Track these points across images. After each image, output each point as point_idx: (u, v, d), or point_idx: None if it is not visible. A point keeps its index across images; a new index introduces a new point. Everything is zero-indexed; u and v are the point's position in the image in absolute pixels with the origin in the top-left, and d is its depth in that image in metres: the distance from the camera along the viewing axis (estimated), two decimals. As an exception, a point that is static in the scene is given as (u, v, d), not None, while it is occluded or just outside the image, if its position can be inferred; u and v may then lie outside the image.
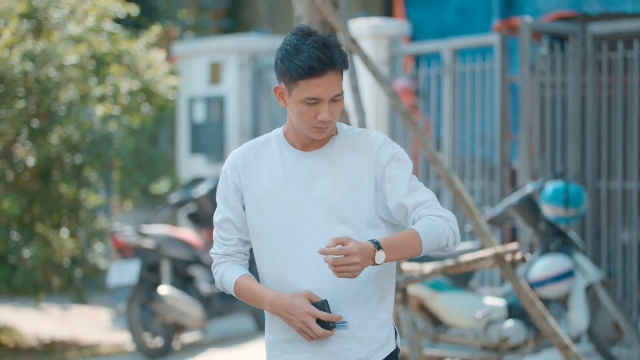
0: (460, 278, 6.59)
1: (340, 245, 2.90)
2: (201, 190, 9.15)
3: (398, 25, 9.52)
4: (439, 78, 8.94)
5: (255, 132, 10.76)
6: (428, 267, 5.30)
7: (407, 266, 5.34)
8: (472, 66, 8.61)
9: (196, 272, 8.60)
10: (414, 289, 6.43)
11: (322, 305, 3.03)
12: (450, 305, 6.46)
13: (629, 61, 7.66)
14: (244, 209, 3.18)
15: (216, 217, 3.22)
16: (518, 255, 5.24)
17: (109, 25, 8.86)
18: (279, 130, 3.20)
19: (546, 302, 6.49)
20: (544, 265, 6.53)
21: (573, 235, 6.84)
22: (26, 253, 8.40)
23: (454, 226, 3.05)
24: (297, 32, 3.05)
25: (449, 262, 5.26)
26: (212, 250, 3.24)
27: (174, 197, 9.39)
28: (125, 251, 8.24)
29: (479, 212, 6.27)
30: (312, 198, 3.10)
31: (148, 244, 8.29)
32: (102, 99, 8.77)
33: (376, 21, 9.47)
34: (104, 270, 8.99)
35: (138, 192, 11.04)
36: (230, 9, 14.32)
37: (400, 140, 9.02)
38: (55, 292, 9.56)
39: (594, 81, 7.90)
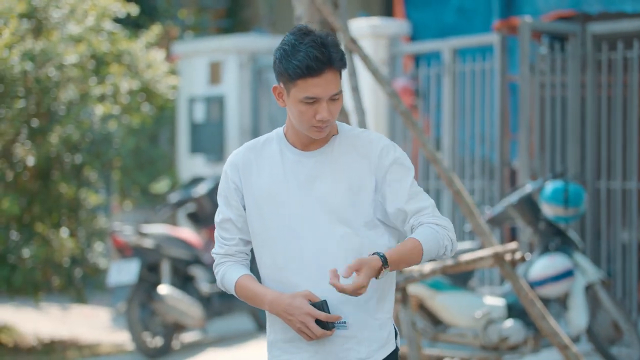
0: (460, 277, 6.59)
1: (352, 272, 2.93)
2: (201, 190, 9.15)
3: (398, 25, 9.52)
4: (439, 78, 8.94)
5: (255, 132, 10.76)
6: (428, 266, 5.30)
7: (406, 266, 5.33)
8: (472, 66, 8.61)
9: (196, 271, 8.60)
10: (414, 289, 6.43)
11: (321, 306, 3.03)
12: (450, 305, 6.46)
13: (629, 61, 7.66)
14: (245, 209, 3.18)
15: (217, 217, 3.22)
16: (518, 255, 5.24)
17: (108, 25, 8.86)
18: (280, 130, 3.20)
19: (546, 301, 6.49)
20: (544, 265, 6.53)
21: (573, 235, 6.84)
22: (26, 253, 8.40)
23: (452, 235, 3.09)
24: (295, 32, 3.05)
25: (449, 261, 5.26)
26: (213, 250, 3.24)
27: (174, 197, 9.39)
28: (125, 251, 8.24)
29: (479, 212, 6.27)
30: (312, 198, 3.10)
31: (148, 243, 8.29)
32: (102, 98, 8.77)
33: (376, 21, 9.47)
34: (104, 270, 8.99)
35: (138, 191, 11.04)
36: (230, 8, 14.32)
37: (400, 140, 9.02)
38: (55, 291, 9.56)
39: (594, 81, 7.90)
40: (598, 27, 7.85)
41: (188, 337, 8.88)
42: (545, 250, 6.71)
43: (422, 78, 9.06)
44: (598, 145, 7.96)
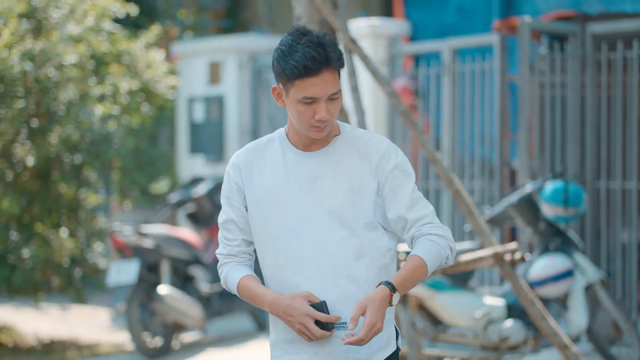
0: (460, 278, 6.58)
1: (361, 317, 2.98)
2: (200, 190, 9.15)
3: (397, 25, 9.52)
4: (439, 78, 8.94)
5: (255, 132, 10.76)
6: (427, 266, 5.29)
7: (406, 266, 5.33)
8: (472, 66, 8.61)
9: (196, 271, 8.60)
10: (413, 289, 6.42)
11: (321, 306, 3.03)
12: (450, 305, 6.46)
13: (629, 61, 7.66)
14: (247, 209, 3.18)
15: (220, 218, 3.22)
16: (517, 255, 5.24)
17: (108, 25, 8.85)
18: (282, 131, 3.20)
19: (545, 301, 6.49)
20: (544, 265, 6.53)
21: (572, 235, 6.84)
22: (26, 253, 8.40)
23: (452, 244, 3.11)
24: (293, 32, 3.05)
25: (449, 261, 5.25)
26: (217, 251, 3.25)
27: (174, 197, 9.39)
28: (125, 251, 8.24)
29: (479, 212, 6.27)
30: (313, 198, 3.10)
31: (147, 243, 8.29)
32: (101, 98, 8.77)
33: (376, 21, 9.47)
34: (104, 270, 8.99)
35: (137, 191, 11.03)
36: (230, 8, 14.32)
37: (399, 140, 9.02)
38: (54, 291, 9.56)
39: (594, 81, 7.90)
40: (598, 27, 7.85)
41: (188, 337, 8.88)
42: (545, 250, 6.71)
43: (421, 78, 9.06)
44: (598, 145, 7.96)
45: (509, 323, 6.41)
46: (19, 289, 8.56)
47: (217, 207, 9.02)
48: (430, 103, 8.99)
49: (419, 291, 6.46)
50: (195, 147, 11.07)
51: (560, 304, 6.63)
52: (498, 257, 5.20)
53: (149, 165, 11.33)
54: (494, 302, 6.52)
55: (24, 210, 8.47)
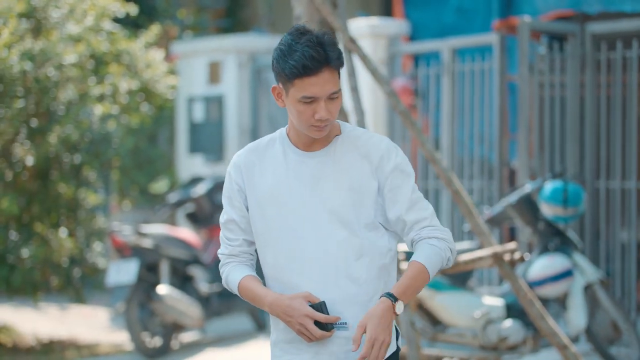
0: (459, 277, 6.58)
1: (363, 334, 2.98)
2: (200, 189, 9.14)
3: (397, 25, 9.52)
4: (438, 78, 8.94)
5: (254, 132, 10.76)
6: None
7: (405, 266, 5.34)
8: (471, 66, 8.61)
9: (195, 271, 8.60)
10: (413, 289, 6.41)
11: (320, 307, 3.04)
12: (449, 305, 6.46)
13: (628, 61, 7.66)
14: (248, 209, 3.18)
15: (222, 218, 3.23)
16: (517, 255, 5.24)
17: (108, 25, 8.85)
18: (283, 131, 3.20)
19: (545, 301, 6.49)
20: (543, 265, 6.53)
21: (572, 234, 6.84)
22: (25, 252, 8.40)
23: (452, 245, 3.12)
24: (293, 32, 3.05)
25: (448, 261, 5.25)
26: (219, 251, 3.25)
27: (173, 197, 9.39)
28: (124, 251, 8.23)
29: (478, 212, 6.27)
30: (314, 199, 3.10)
31: (147, 243, 8.28)
32: (101, 98, 8.76)
33: (375, 21, 9.47)
34: (103, 270, 8.99)
35: (137, 191, 11.04)
36: (229, 8, 14.32)
37: (398, 140, 9.02)
38: (53, 291, 9.55)
39: (593, 81, 7.90)
40: (597, 27, 7.85)
41: (187, 337, 8.88)
42: (544, 250, 6.71)
43: (421, 78, 9.06)
44: (597, 145, 7.96)
45: (508, 323, 6.41)
46: (18, 289, 8.55)
47: (217, 207, 9.02)
48: (430, 103, 8.99)
49: (418, 291, 6.44)
50: (195, 147, 11.07)
51: (560, 304, 6.63)
52: (497, 257, 5.20)
53: (149, 165, 11.33)
54: (493, 302, 6.52)
55: (23, 210, 8.47)
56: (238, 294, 3.19)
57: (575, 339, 6.57)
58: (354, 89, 5.27)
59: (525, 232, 7.01)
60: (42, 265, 8.55)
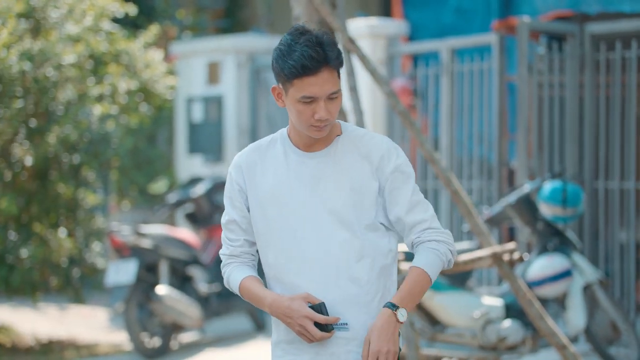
0: (458, 278, 6.58)
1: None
2: (199, 190, 9.14)
3: (396, 25, 9.52)
4: (437, 78, 8.94)
5: (253, 132, 10.76)
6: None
7: (404, 266, 5.34)
8: (470, 66, 8.61)
9: (194, 272, 8.59)
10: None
11: (320, 308, 3.03)
12: (448, 305, 6.46)
13: (627, 61, 7.66)
14: (249, 210, 3.18)
15: (223, 219, 3.23)
16: (516, 255, 5.24)
17: (107, 25, 8.85)
18: (284, 131, 3.20)
19: (544, 301, 6.49)
20: (542, 265, 6.53)
21: (571, 235, 6.84)
22: (24, 253, 8.39)
23: (452, 247, 3.13)
24: (292, 32, 3.05)
25: (447, 261, 5.25)
26: (220, 251, 3.26)
27: (172, 197, 9.38)
28: (123, 251, 8.23)
29: (477, 212, 6.27)
30: (315, 199, 3.10)
31: (146, 243, 8.28)
32: (100, 98, 8.76)
33: (374, 21, 9.47)
34: (102, 270, 8.99)
35: (136, 191, 11.03)
36: (228, 8, 14.32)
37: (398, 140, 9.02)
38: (52, 291, 9.55)
39: (592, 81, 7.90)
40: (596, 27, 7.85)
41: (186, 337, 8.88)
42: (544, 250, 6.71)
43: (420, 78, 9.06)
44: (596, 145, 7.96)
45: (507, 323, 6.41)
46: (17, 289, 8.55)
47: (216, 207, 9.02)
48: (429, 103, 8.99)
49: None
50: (194, 147, 11.07)
51: (559, 304, 6.63)
52: (496, 257, 5.20)
53: (148, 165, 11.33)
54: (492, 302, 6.51)
55: (22, 210, 8.47)
56: (239, 295, 3.20)
57: (574, 339, 6.57)
58: (353, 89, 5.27)
59: (524, 232, 7.01)
60: (41, 265, 8.55)
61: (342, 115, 5.10)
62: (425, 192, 8.82)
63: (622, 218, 7.81)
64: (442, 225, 3.17)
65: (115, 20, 9.37)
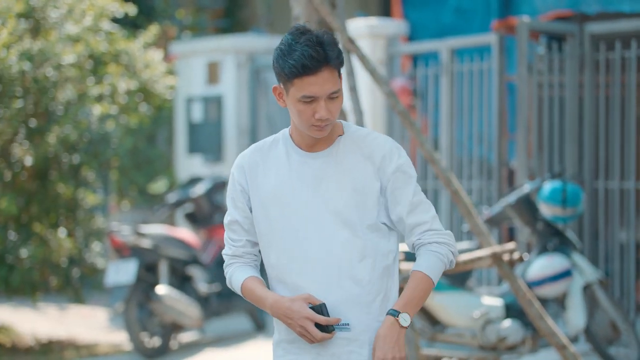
0: (458, 277, 6.58)
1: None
2: (199, 190, 9.14)
3: (396, 25, 9.52)
4: (437, 78, 8.94)
5: (253, 132, 10.76)
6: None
7: (405, 266, 5.34)
8: (470, 66, 8.61)
9: (194, 271, 8.59)
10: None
11: (320, 309, 3.03)
12: (448, 305, 6.46)
13: (627, 61, 7.66)
14: (251, 210, 3.18)
15: (225, 219, 3.23)
16: (516, 255, 5.24)
17: (106, 25, 8.85)
18: (286, 131, 3.20)
19: (544, 301, 6.49)
20: (542, 265, 6.53)
21: (570, 234, 6.84)
22: (24, 253, 8.39)
23: (453, 249, 3.13)
24: (293, 32, 3.05)
25: (447, 261, 5.25)
26: (223, 251, 3.26)
27: (172, 197, 9.38)
28: (123, 251, 8.23)
29: (477, 212, 6.27)
30: (317, 199, 3.10)
31: (146, 243, 8.28)
32: (99, 98, 8.76)
33: (374, 21, 9.47)
34: (102, 270, 8.98)
35: (136, 191, 11.03)
36: (228, 8, 14.32)
37: (397, 140, 9.01)
38: (52, 291, 9.55)
39: (592, 81, 7.91)
40: (596, 27, 7.85)
41: (186, 337, 8.88)
42: (543, 250, 6.71)
43: (420, 78, 9.06)
44: (596, 145, 7.96)
45: (507, 323, 6.41)
46: (17, 289, 8.55)
47: (216, 207, 9.02)
48: (429, 103, 8.99)
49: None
50: (194, 147, 11.07)
51: (559, 304, 6.63)
52: (496, 257, 5.20)
53: (147, 165, 11.32)
54: (492, 302, 6.52)
55: (22, 210, 8.47)
56: (241, 295, 3.20)
57: (574, 339, 6.56)
58: (353, 89, 5.27)
59: (524, 232, 7.01)
60: (41, 265, 8.55)
61: (342, 115, 5.10)
62: (425, 192, 8.82)
63: (622, 218, 7.81)
64: (442, 226, 3.17)
65: (115, 20, 9.37)
